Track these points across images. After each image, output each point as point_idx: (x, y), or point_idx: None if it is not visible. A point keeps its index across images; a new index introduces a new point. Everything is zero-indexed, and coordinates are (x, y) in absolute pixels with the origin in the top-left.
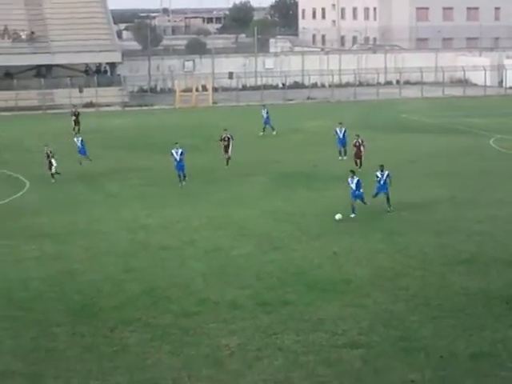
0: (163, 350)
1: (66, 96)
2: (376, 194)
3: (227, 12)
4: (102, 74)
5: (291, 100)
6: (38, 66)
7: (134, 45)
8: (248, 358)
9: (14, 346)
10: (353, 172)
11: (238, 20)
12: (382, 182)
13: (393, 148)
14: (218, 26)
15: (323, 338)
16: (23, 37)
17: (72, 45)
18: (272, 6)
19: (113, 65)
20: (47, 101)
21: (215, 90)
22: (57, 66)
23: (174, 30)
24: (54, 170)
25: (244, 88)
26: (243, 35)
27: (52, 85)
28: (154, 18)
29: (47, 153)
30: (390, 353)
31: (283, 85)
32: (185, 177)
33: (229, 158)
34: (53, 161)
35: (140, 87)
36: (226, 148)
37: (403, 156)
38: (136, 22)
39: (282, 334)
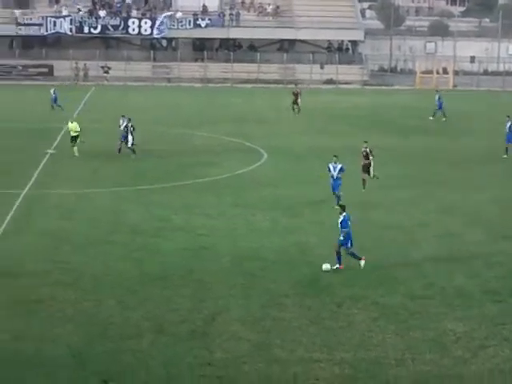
0: (388, 330)
1: (306, 72)
2: None
3: None
4: (343, 52)
5: None
6: (281, 41)
7: (377, 24)
8: (473, 345)
9: (243, 313)
10: None
11: (483, 4)
12: None
13: None
14: (462, 8)
15: None
16: (268, 11)
17: (316, 21)
18: None
19: (355, 43)
20: (288, 75)
21: (456, 73)
22: (299, 41)
23: (418, 11)
24: (129, 145)
25: (485, 73)
26: (487, 19)
27: (294, 60)
28: None
29: (127, 126)
30: None
31: None
32: (339, 198)
33: (365, 181)
34: (129, 136)
35: (380, 66)
36: (366, 166)
37: None
38: (380, 1)
39: (510, 325)
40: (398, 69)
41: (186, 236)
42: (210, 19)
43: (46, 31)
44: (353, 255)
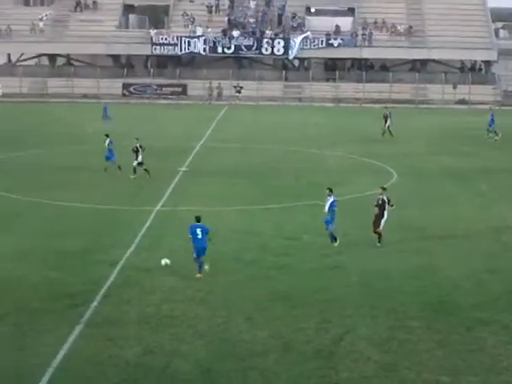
0: None
1: (439, 92)
2: None
3: None
4: (476, 72)
5: None
6: (414, 61)
7: (511, 44)
8: None
9: (371, 333)
10: None
11: None
12: None
13: None
14: None
15: None
16: (401, 31)
17: (448, 41)
18: None
19: (488, 63)
20: (420, 95)
21: None
22: (432, 60)
23: None
24: (135, 164)
25: None
26: None
27: (426, 80)
28: None
29: (136, 146)
30: None
31: None
32: (332, 236)
33: (379, 235)
34: (139, 155)
35: None
36: (378, 217)
37: None
38: None
39: None
40: None
41: (314, 255)
42: (342, 39)
43: (181, 51)
44: None
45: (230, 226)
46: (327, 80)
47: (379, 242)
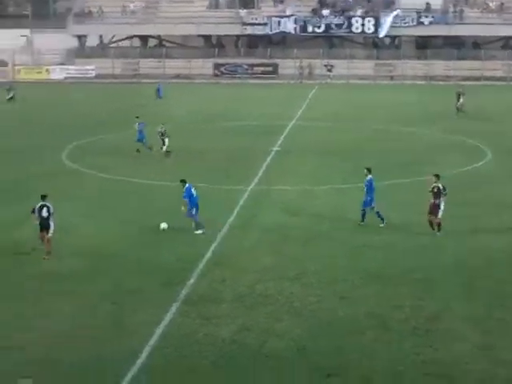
0: None
1: None
2: None
3: None
4: None
5: None
6: (506, 38)
7: None
8: None
9: (467, 313)
10: None
11: None
12: None
13: None
14: None
15: None
16: (493, 7)
17: None
18: None
19: None
20: None
21: None
22: None
23: None
24: (164, 149)
25: None
26: None
27: None
28: None
29: (161, 131)
30: None
31: None
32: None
33: (438, 225)
34: (166, 140)
35: None
36: (435, 207)
37: None
38: None
39: None
40: None
41: (406, 234)
42: (433, 16)
43: (271, 31)
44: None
45: (323, 205)
46: (418, 58)
47: (439, 231)
